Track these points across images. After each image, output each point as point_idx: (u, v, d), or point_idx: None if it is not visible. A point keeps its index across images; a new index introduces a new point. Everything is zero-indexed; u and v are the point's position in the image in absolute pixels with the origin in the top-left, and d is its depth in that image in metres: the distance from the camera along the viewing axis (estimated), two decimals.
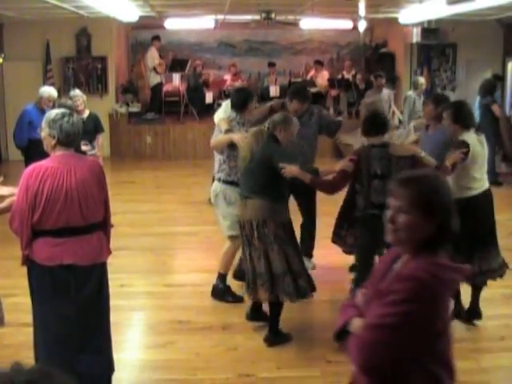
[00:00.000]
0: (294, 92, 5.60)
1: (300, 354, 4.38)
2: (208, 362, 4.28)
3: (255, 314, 4.76)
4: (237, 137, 4.80)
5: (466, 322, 4.72)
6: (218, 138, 5.11)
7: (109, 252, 3.78)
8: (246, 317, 4.77)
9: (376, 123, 4.50)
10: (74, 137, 3.58)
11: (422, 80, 10.04)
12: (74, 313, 3.53)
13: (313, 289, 4.48)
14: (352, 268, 5.60)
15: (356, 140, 5.56)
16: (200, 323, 4.85)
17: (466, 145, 4.46)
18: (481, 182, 4.64)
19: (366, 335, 1.97)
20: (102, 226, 3.72)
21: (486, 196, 4.70)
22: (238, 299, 5.16)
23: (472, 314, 4.75)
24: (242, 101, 5.12)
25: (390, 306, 1.92)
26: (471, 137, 4.55)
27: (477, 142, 4.55)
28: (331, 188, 4.48)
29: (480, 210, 4.61)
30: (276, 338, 4.51)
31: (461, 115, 4.56)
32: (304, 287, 4.38)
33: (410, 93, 9.98)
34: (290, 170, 4.30)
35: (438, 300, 1.97)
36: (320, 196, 5.20)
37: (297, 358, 4.34)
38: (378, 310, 1.98)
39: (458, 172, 4.49)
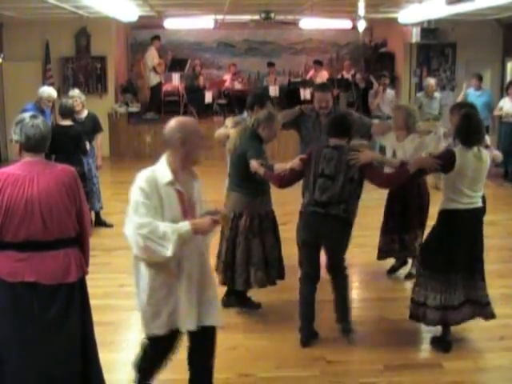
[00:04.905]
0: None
1: (300, 354, 4.38)
2: None
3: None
4: (232, 131, 5.11)
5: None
6: (220, 130, 5.53)
7: (83, 271, 3.39)
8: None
9: (338, 125, 4.47)
10: (37, 141, 3.25)
11: (430, 81, 9.87)
12: (37, 337, 3.21)
13: (271, 282, 4.85)
14: (407, 276, 5.78)
15: (390, 141, 5.51)
16: None
17: (448, 155, 4.20)
18: (471, 198, 4.25)
19: None
20: (76, 242, 3.36)
21: (475, 215, 4.33)
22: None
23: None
24: (252, 103, 5.32)
25: None
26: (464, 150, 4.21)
27: (470, 156, 4.18)
28: (279, 183, 4.63)
29: (465, 228, 4.28)
30: (229, 301, 5.03)
31: (465, 132, 4.22)
32: (260, 278, 4.75)
33: (420, 95, 9.90)
34: (252, 164, 4.58)
35: None
36: None
37: (296, 357, 4.34)
38: None
39: (445, 181, 4.32)
